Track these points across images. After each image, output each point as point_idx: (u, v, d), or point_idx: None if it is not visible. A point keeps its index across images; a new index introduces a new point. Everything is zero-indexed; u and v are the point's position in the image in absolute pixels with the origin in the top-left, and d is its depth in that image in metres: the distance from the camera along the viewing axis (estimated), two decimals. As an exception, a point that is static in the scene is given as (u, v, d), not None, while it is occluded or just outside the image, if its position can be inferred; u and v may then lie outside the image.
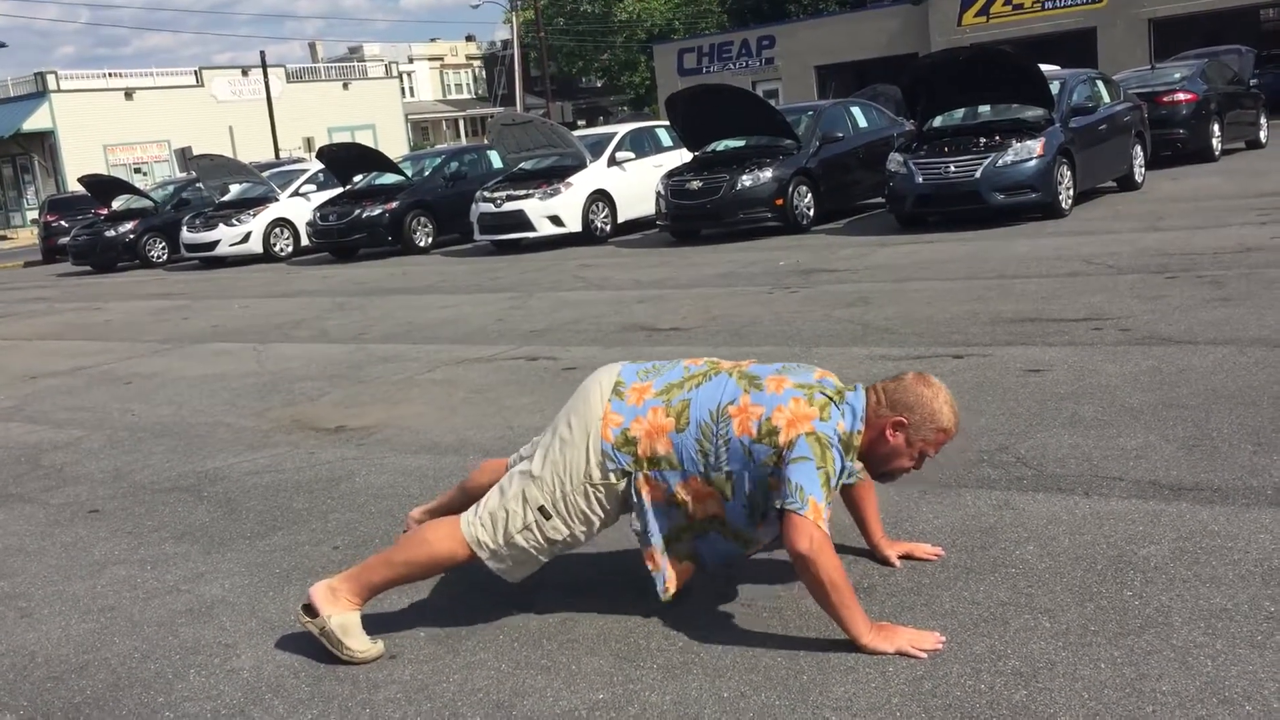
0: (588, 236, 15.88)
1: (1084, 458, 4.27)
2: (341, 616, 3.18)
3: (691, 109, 14.85)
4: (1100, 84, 14.32)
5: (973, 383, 5.58)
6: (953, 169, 12.17)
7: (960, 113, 13.64)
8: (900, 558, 3.50)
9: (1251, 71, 20.85)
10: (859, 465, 3.36)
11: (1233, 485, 3.82)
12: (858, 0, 41.68)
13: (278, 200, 19.89)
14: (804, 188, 14.16)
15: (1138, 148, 14.18)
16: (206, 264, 19.87)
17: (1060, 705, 2.58)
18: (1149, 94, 16.08)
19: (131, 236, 21.43)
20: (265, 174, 21.23)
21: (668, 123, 16.35)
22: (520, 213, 15.76)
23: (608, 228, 16.20)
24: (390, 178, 18.65)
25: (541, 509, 3.13)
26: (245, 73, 50.06)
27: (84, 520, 4.89)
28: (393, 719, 2.86)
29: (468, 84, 74.30)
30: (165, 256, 21.56)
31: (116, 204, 23.19)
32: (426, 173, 18.88)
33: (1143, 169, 14.33)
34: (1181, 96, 16.48)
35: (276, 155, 40.59)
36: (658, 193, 14.79)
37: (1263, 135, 18.61)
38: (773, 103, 18.60)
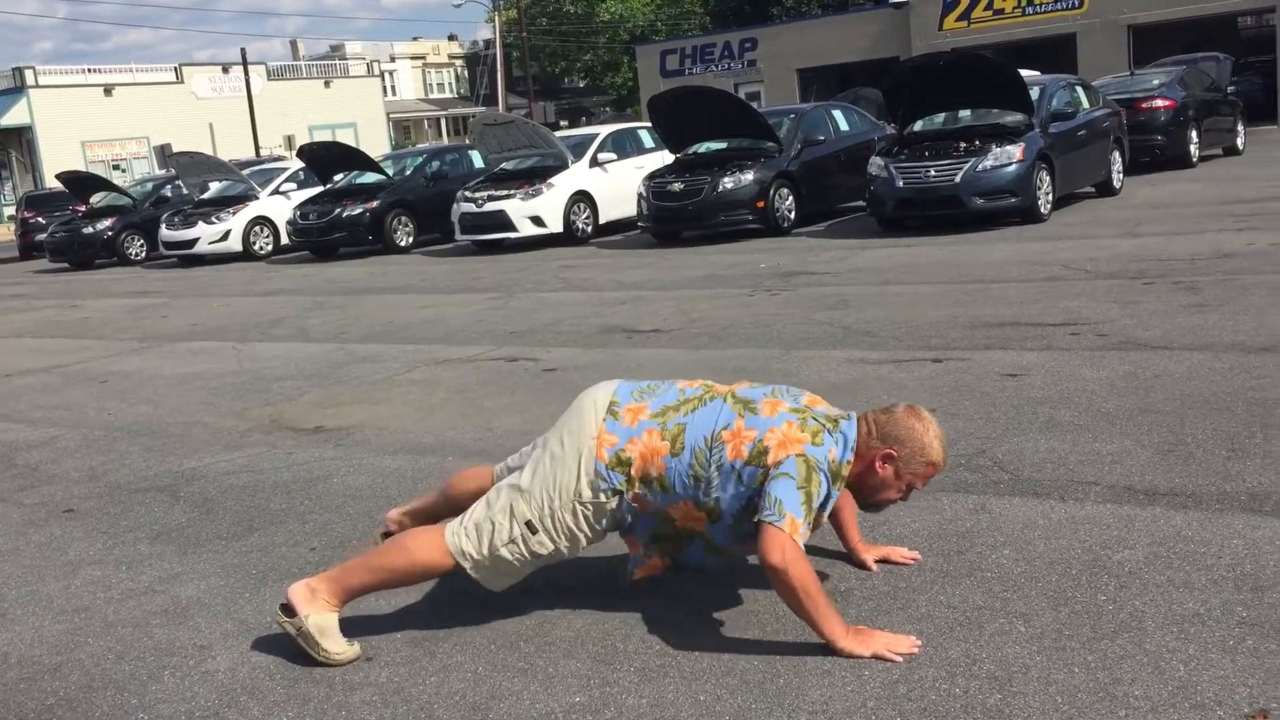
0: (569, 237, 15.87)
1: (1060, 462, 4.29)
2: (319, 617, 3.17)
3: (673, 111, 14.86)
4: (1080, 90, 14.41)
5: (951, 386, 5.60)
6: (933, 173, 12.22)
7: (941, 117, 13.70)
8: (877, 562, 3.51)
9: (1229, 79, 21.02)
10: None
11: (1206, 491, 3.85)
12: (840, 3, 41.83)
13: (258, 198, 19.79)
14: (785, 190, 14.19)
15: (1116, 154, 14.27)
16: (185, 262, 19.76)
17: (1034, 709, 2.59)
18: (1128, 100, 16.20)
19: (110, 234, 21.29)
20: (245, 172, 21.13)
21: (650, 124, 16.35)
22: (502, 213, 15.74)
23: (589, 229, 16.20)
24: (371, 177, 18.59)
25: (528, 523, 3.13)
26: (226, 70, 49.83)
27: (59, 520, 4.85)
28: (368, 722, 2.86)
29: (450, 83, 74.18)
30: (144, 254, 21.43)
31: (95, 201, 23.03)
32: (408, 172, 18.83)
33: (1121, 175, 14.43)
34: (1160, 103, 16.61)
35: (257, 153, 40.42)
36: (639, 194, 14.80)
37: (1240, 142, 18.76)
38: (754, 105, 18.62)
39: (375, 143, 48.43)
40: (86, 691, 3.17)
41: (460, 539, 3.17)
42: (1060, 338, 6.48)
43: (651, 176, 14.87)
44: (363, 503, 4.68)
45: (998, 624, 3.03)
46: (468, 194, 16.25)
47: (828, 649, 2.93)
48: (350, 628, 3.29)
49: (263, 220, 19.60)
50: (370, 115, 54.42)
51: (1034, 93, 12.80)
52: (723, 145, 15.24)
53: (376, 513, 4.43)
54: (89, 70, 47.82)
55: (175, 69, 49.73)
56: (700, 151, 15.34)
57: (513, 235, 15.78)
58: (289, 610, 3.18)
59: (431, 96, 72.08)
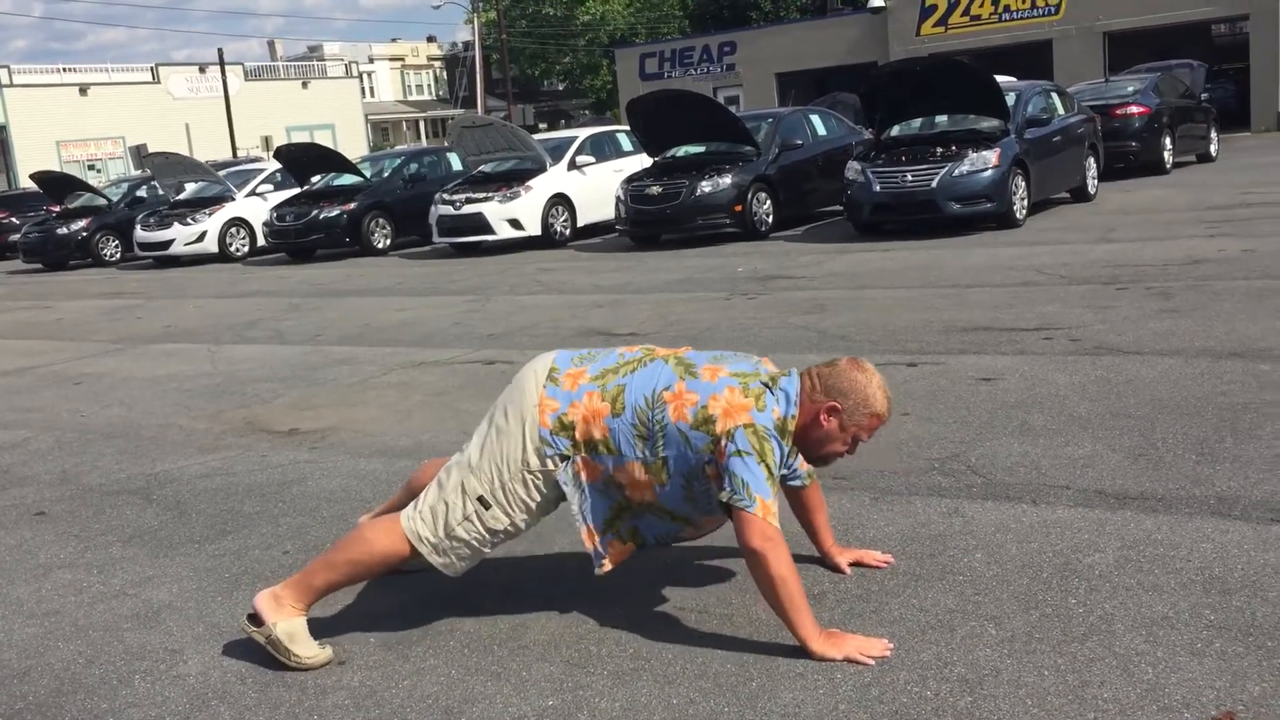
0: (547, 240, 15.86)
1: (1033, 466, 4.32)
2: (287, 623, 3.16)
3: (652, 114, 14.88)
4: (1055, 96, 14.51)
5: (926, 390, 5.63)
6: (910, 178, 12.28)
7: (918, 122, 13.78)
8: (850, 565, 3.53)
9: (1203, 86, 21.22)
10: (806, 468, 3.39)
11: (1176, 494, 3.89)
12: (819, 8, 41.98)
13: (234, 200, 19.68)
14: (763, 194, 14.23)
15: (1091, 160, 14.38)
16: (160, 263, 19.63)
17: (1004, 712, 2.61)
18: (1103, 106, 16.32)
19: (84, 234, 21.11)
20: (222, 173, 21.00)
21: (628, 127, 16.36)
22: (479, 215, 15.71)
23: (567, 232, 16.20)
24: (349, 178, 18.52)
25: (481, 499, 3.13)
26: (203, 70, 49.59)
27: (29, 523, 4.82)
28: (340, 725, 2.85)
29: (428, 85, 74.02)
30: (118, 255, 21.26)
31: (69, 201, 22.85)
32: (385, 174, 18.78)
33: (1096, 181, 14.54)
34: (1134, 109, 16.75)
35: (234, 154, 40.23)
36: (617, 197, 14.81)
37: (1213, 149, 18.93)
38: (733, 109, 18.68)
39: (353, 144, 48.28)
40: (56, 696, 3.15)
41: (416, 523, 3.16)
42: (1034, 342, 6.52)
43: (630, 180, 14.88)
44: (337, 506, 4.67)
45: (969, 627, 3.05)
46: (446, 196, 16.22)
47: (800, 652, 2.94)
48: (322, 631, 3.28)
49: (239, 222, 19.50)
50: (348, 117, 54.26)
51: (1010, 99, 12.89)
52: (701, 149, 15.27)
53: (351, 516, 4.41)
54: (64, 70, 47.50)
55: (151, 69, 49.43)
56: (678, 155, 15.36)
57: (490, 238, 15.76)
58: (256, 620, 3.17)
59: (410, 98, 71.91)
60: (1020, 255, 10.15)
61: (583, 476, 3.11)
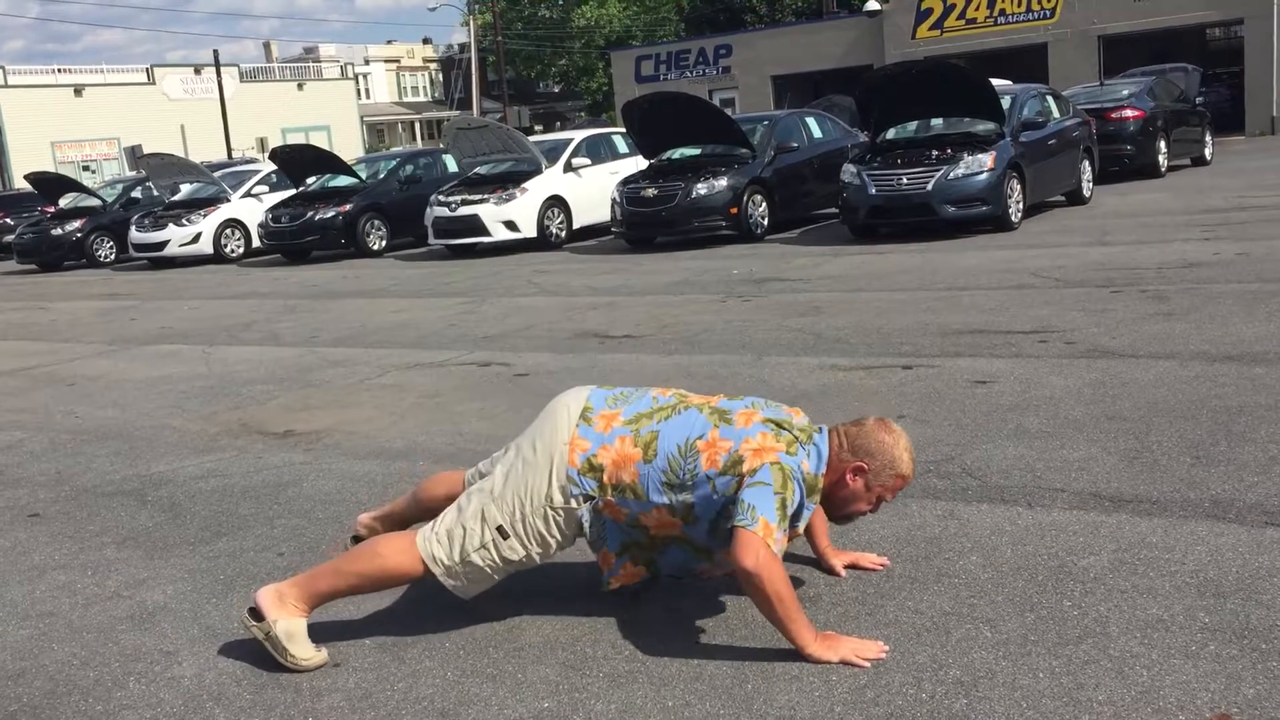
0: (542, 242, 15.87)
1: (1028, 469, 4.33)
2: (287, 622, 3.15)
3: (648, 116, 14.88)
4: (1050, 99, 14.54)
5: (921, 393, 5.64)
6: (905, 181, 12.29)
7: (913, 125, 13.79)
8: (846, 567, 3.53)
9: (1198, 90, 21.25)
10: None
11: (1171, 498, 3.90)
12: (814, 11, 42.01)
13: (229, 201, 19.66)
14: (759, 197, 14.24)
15: (1086, 163, 14.41)
16: (155, 264, 19.61)
17: (999, 714, 2.61)
18: (1098, 110, 16.35)
19: (79, 235, 21.08)
20: (217, 174, 20.98)
21: (624, 129, 16.37)
22: (475, 217, 15.71)
23: (563, 234, 16.20)
24: (344, 180, 18.51)
25: (500, 529, 3.13)
26: (198, 71, 49.55)
27: (24, 524, 4.81)
28: (336, 727, 2.84)
29: (424, 87, 73.98)
30: (113, 256, 21.23)
31: (64, 202, 22.81)
32: (381, 175, 18.78)
33: (1090, 184, 14.57)
34: (1129, 113, 16.78)
35: (229, 155, 40.18)
36: (613, 199, 14.81)
37: (1208, 153, 18.97)
38: (729, 112, 18.69)
39: (348, 146, 48.28)
40: (50, 698, 3.14)
41: (432, 545, 3.16)
42: (1029, 345, 6.53)
43: (625, 182, 14.89)
44: (332, 508, 4.66)
45: (964, 629, 3.05)
46: (441, 198, 16.21)
47: (796, 654, 2.94)
48: (318, 633, 3.28)
49: (234, 223, 19.48)
50: (344, 118, 54.23)
51: (1005, 102, 12.91)
52: (697, 151, 15.28)
53: (346, 518, 4.41)
54: (59, 70, 47.45)
55: (147, 70, 49.39)
56: (674, 157, 15.37)
57: (486, 240, 15.76)
58: (257, 614, 3.17)
59: (405, 100, 71.87)
60: (1015, 258, 10.16)
61: (605, 515, 3.12)
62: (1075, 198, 14.26)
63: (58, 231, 21.20)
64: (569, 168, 16.53)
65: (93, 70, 48.48)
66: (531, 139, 17.87)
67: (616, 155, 17.38)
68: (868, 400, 5.57)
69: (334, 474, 5.17)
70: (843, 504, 3.16)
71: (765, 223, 14.29)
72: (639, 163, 16.13)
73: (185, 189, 20.72)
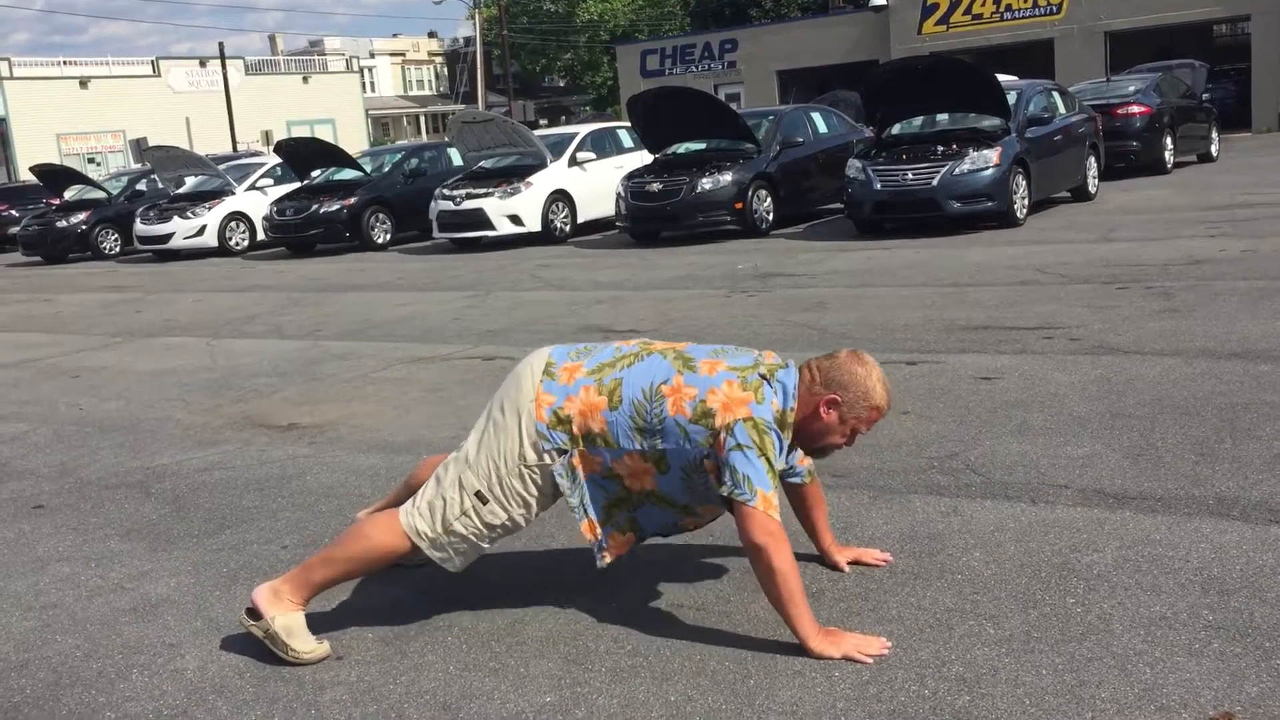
0: (547, 236, 15.86)
1: (1032, 465, 4.32)
2: (285, 618, 3.15)
3: (653, 111, 14.86)
4: (1056, 95, 14.51)
5: (925, 389, 5.63)
6: (910, 176, 12.27)
7: (919, 121, 13.77)
8: (849, 563, 3.53)
9: (1204, 86, 21.20)
10: (806, 464, 3.39)
11: (1175, 495, 3.89)
12: (820, 6, 41.93)
13: (234, 194, 19.67)
14: (763, 192, 14.22)
15: (1092, 159, 14.38)
16: (160, 257, 19.62)
17: (1002, 711, 2.61)
18: (1104, 106, 16.31)
19: (84, 227, 21.08)
20: (222, 167, 20.98)
21: (629, 124, 16.35)
22: (479, 211, 15.70)
23: (567, 228, 16.19)
24: (349, 173, 18.51)
25: (478, 494, 3.13)
26: (203, 64, 49.55)
27: (28, 516, 4.81)
28: (338, 721, 2.85)
29: (429, 80, 73.96)
30: (118, 249, 21.23)
31: (69, 194, 22.82)
32: (386, 169, 18.76)
33: (1096, 180, 14.53)
34: (1135, 109, 16.74)
35: (234, 148, 40.20)
36: (618, 194, 14.80)
37: (1214, 149, 18.92)
38: (734, 107, 18.66)
39: (354, 139, 48.26)
40: (54, 689, 3.15)
41: (414, 519, 3.16)
42: (1034, 342, 6.52)
43: (630, 176, 14.87)
44: (335, 501, 4.66)
45: (967, 626, 3.05)
46: (446, 192, 16.20)
47: (799, 650, 2.94)
48: (320, 626, 3.28)
49: (239, 216, 19.49)
50: (349, 111, 54.20)
51: (1011, 97, 12.88)
52: (702, 146, 15.26)
53: (349, 511, 4.41)
54: (64, 63, 47.48)
55: (152, 62, 49.39)
56: (679, 152, 15.35)
57: (490, 234, 15.75)
58: (254, 614, 3.17)
59: (411, 93, 71.84)
60: (1020, 254, 10.14)
61: (580, 470, 3.11)
62: (1081, 194, 14.23)
63: (63, 224, 21.21)
64: (574, 162, 16.51)
65: (98, 62, 48.51)
66: (536, 133, 17.86)
67: (621, 149, 17.36)
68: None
69: (338, 467, 5.17)
70: (817, 436, 3.14)
71: (770, 218, 14.27)
72: (644, 157, 16.11)
73: (190, 182, 20.72)
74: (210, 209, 19.28)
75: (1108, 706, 2.59)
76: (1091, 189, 14.33)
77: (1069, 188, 14.08)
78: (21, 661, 3.34)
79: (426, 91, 72.75)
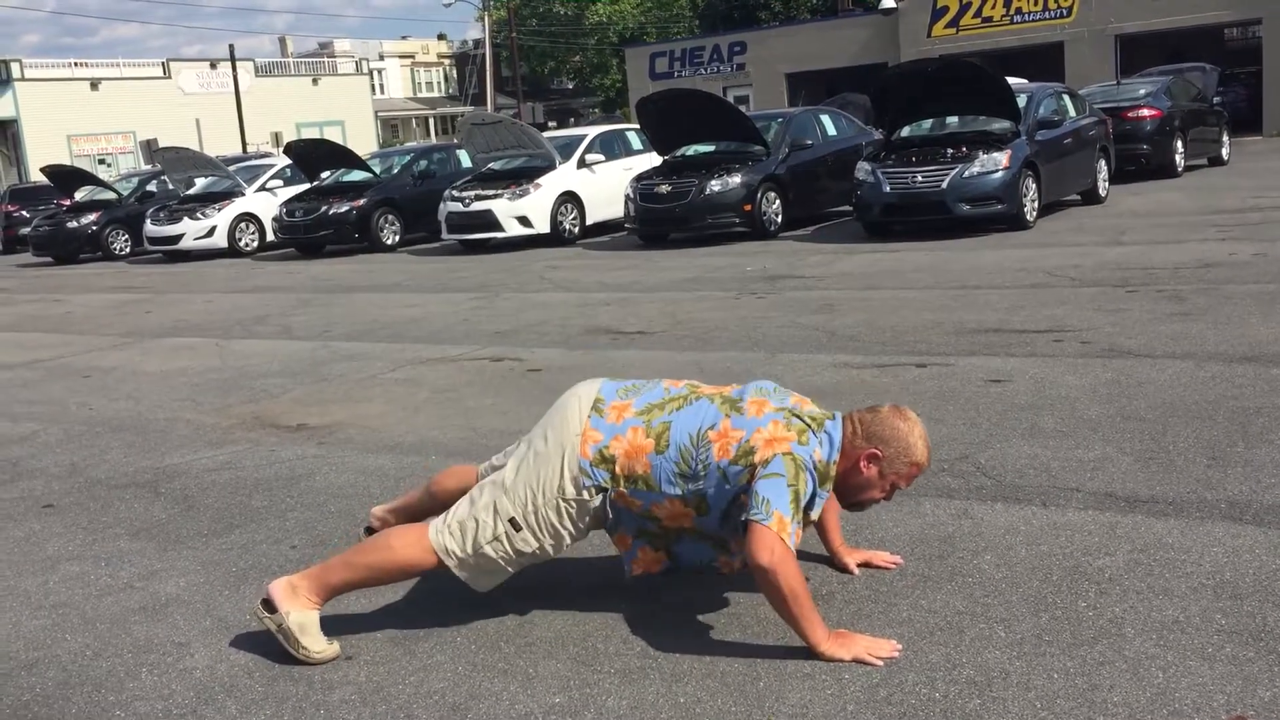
0: (555, 238, 15.86)
1: (1043, 468, 4.31)
2: (300, 615, 3.15)
3: (663, 113, 14.87)
4: (1066, 98, 14.47)
5: (935, 392, 5.62)
6: (920, 179, 12.25)
7: (928, 123, 13.75)
8: (859, 565, 3.52)
9: (1215, 89, 21.13)
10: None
11: (1187, 498, 3.87)
12: (829, 9, 41.91)
13: (244, 195, 19.73)
14: (772, 194, 14.21)
15: (1102, 162, 14.34)
16: (170, 258, 19.68)
17: (1013, 714, 2.60)
18: (1114, 109, 16.27)
19: (94, 228, 21.16)
20: (232, 168, 21.04)
21: (638, 126, 16.35)
22: (488, 213, 15.72)
23: (576, 230, 16.19)
24: (358, 175, 18.55)
25: (512, 521, 3.12)
26: (214, 66, 49.65)
27: (38, 515, 4.82)
28: (347, 721, 2.84)
29: (438, 82, 74.01)
30: (128, 249, 21.30)
31: (79, 195, 22.89)
32: (395, 171, 18.79)
33: (1106, 183, 14.49)
34: (1146, 112, 16.69)
35: (244, 150, 40.28)
36: (626, 196, 14.80)
37: (1225, 153, 18.86)
38: (743, 109, 18.64)
39: (363, 141, 48.32)
40: (63, 688, 3.15)
41: (444, 537, 3.15)
42: (1044, 345, 6.50)
43: (639, 178, 14.87)
44: (345, 501, 4.66)
45: (978, 629, 3.04)
46: (455, 193, 16.22)
47: (809, 652, 2.93)
48: (330, 626, 3.28)
49: (249, 217, 19.54)
50: (358, 113, 54.28)
51: (1021, 100, 12.85)
52: (711, 148, 15.26)
53: (358, 511, 4.41)
54: (75, 64, 47.60)
55: (163, 64, 49.51)
56: (688, 154, 15.35)
57: (499, 235, 15.77)
58: (270, 606, 3.17)
59: (420, 95, 71.90)
60: (1030, 257, 10.12)
61: (619, 505, 3.11)
62: (1091, 197, 14.20)
63: (73, 224, 21.29)
64: (583, 164, 16.53)
65: (109, 64, 48.63)
66: (545, 135, 17.87)
67: (630, 151, 17.38)
68: (881, 398, 5.54)
69: (347, 468, 5.17)
70: (856, 491, 3.14)
71: (779, 220, 14.26)
72: (653, 159, 16.11)
73: (200, 183, 20.79)
74: (220, 210, 19.34)
75: (1120, 711, 2.57)
76: (1102, 192, 14.30)
77: (1079, 191, 14.05)
78: (31, 660, 3.35)
79: (435, 93, 72.81)
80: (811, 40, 34.62)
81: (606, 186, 16.36)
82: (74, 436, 6.28)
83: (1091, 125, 14.35)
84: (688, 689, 2.85)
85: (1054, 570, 3.37)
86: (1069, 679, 2.73)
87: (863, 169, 12.90)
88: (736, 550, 3.15)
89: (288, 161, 20.01)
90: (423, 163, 19.11)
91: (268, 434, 5.99)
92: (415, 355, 8.00)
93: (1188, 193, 14.59)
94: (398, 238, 17.80)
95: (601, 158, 16.81)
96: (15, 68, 44.57)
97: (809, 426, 3.03)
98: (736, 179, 13.99)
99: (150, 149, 34.66)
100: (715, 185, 13.97)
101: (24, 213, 25.70)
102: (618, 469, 3.07)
